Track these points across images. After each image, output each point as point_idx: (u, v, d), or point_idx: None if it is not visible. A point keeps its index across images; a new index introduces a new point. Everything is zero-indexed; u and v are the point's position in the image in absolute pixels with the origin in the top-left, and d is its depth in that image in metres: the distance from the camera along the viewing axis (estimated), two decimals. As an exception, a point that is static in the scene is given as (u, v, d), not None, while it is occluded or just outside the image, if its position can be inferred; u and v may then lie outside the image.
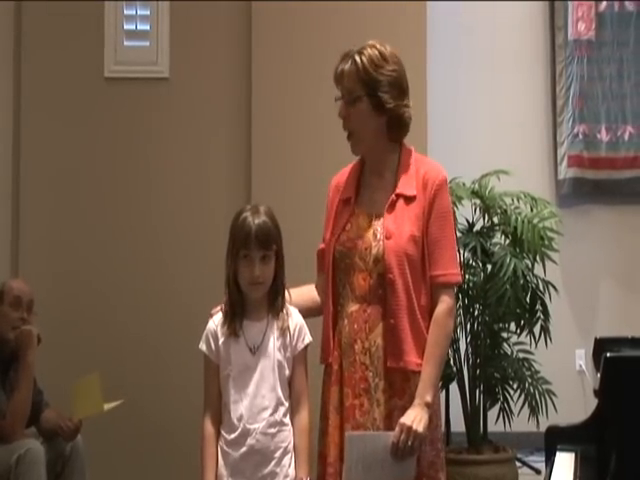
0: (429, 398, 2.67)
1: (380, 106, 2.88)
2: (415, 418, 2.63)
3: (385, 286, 2.77)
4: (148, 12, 5.40)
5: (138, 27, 5.43)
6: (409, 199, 2.85)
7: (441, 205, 2.85)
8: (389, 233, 2.81)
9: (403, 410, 2.67)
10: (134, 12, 5.40)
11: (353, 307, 2.80)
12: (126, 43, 5.44)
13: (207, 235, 5.33)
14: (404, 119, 2.96)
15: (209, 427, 2.78)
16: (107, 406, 3.98)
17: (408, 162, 2.95)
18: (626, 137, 5.96)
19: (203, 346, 2.82)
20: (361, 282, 2.80)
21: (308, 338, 2.83)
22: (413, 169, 2.92)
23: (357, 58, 2.89)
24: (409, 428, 2.62)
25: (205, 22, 5.44)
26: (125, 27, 5.42)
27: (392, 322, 2.75)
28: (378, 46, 2.92)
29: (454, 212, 3.90)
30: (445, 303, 2.77)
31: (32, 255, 5.25)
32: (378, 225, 2.85)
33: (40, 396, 4.16)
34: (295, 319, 2.82)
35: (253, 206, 2.85)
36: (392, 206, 2.85)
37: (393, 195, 2.87)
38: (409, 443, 2.61)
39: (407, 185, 2.88)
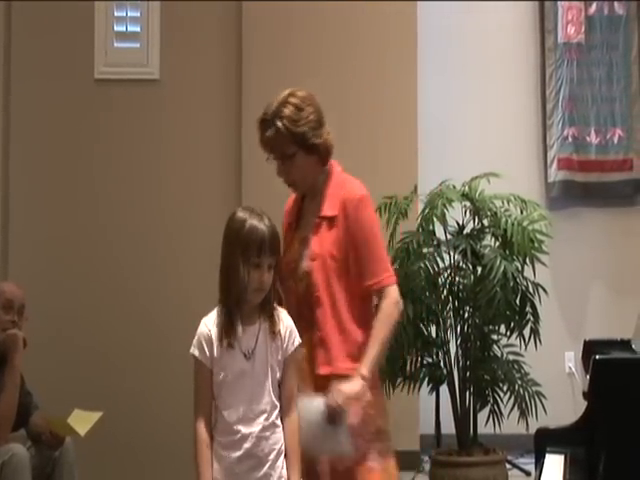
0: (364, 372, 2.89)
1: (312, 149, 3.11)
2: (348, 384, 2.86)
3: (312, 304, 3.02)
4: (138, 14, 5.40)
5: (128, 28, 5.43)
6: (331, 220, 3.07)
7: (361, 221, 3.06)
8: (314, 255, 3.04)
9: None
10: (124, 13, 5.41)
11: None
12: (116, 44, 5.44)
13: (198, 235, 5.33)
14: (330, 146, 3.19)
15: (202, 431, 2.74)
16: (85, 429, 3.95)
17: (332, 184, 3.16)
18: (615, 140, 5.97)
19: (195, 351, 2.78)
20: (293, 301, 3.03)
21: (298, 340, 2.82)
22: (335, 190, 3.13)
23: (278, 123, 3.09)
24: (339, 390, 2.85)
25: (195, 23, 5.44)
26: (115, 28, 5.42)
27: (319, 334, 2.99)
28: (292, 100, 3.14)
29: (444, 214, 3.93)
30: (389, 297, 3.01)
31: (22, 257, 5.24)
32: (306, 247, 3.08)
33: (29, 398, 4.14)
34: (286, 322, 2.81)
35: (251, 210, 2.79)
36: (317, 228, 3.08)
37: (317, 218, 3.10)
38: (339, 403, 2.82)
39: (329, 207, 3.10)
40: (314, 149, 3.12)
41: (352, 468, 2.92)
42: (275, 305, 2.81)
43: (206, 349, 2.76)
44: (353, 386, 2.87)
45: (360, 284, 3.02)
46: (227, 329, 2.75)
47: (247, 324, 2.78)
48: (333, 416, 2.82)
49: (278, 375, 2.77)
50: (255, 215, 2.77)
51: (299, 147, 3.11)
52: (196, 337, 2.80)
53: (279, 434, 2.74)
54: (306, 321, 2.99)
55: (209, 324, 2.79)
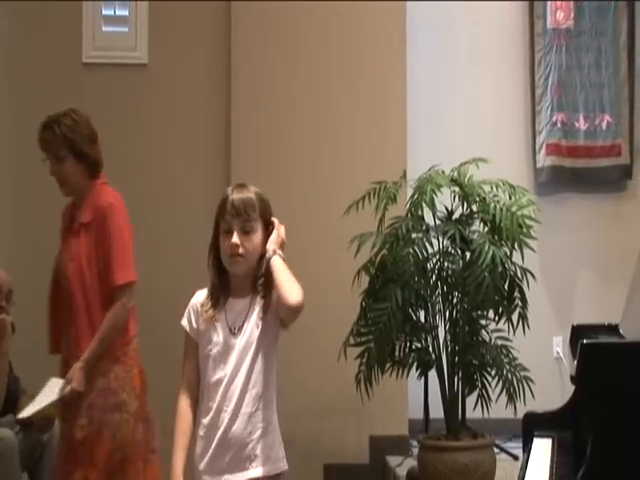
0: (80, 364, 3.48)
1: (82, 157, 3.72)
2: (72, 369, 3.49)
3: (70, 301, 3.60)
4: (127, -3, 5.38)
5: (117, 12, 5.41)
6: (87, 226, 3.63)
7: (108, 226, 3.60)
8: (73, 257, 3.61)
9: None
10: (113, -3, 5.39)
11: (61, 315, 3.67)
12: (104, 29, 5.42)
13: (185, 220, 5.33)
14: (100, 163, 3.80)
15: (183, 403, 2.73)
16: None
17: (92, 194, 3.70)
18: (604, 126, 5.99)
19: (184, 322, 2.77)
20: (62, 296, 3.65)
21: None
22: (92, 199, 3.68)
23: (56, 127, 3.68)
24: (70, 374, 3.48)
25: (184, 7, 5.43)
26: (103, 12, 5.40)
27: (73, 329, 3.60)
28: (72, 114, 3.75)
29: (433, 200, 3.94)
30: (118, 301, 3.57)
31: (7, 241, 5.23)
32: (69, 251, 3.65)
33: (17, 383, 4.15)
34: (275, 295, 2.71)
35: (237, 184, 2.79)
36: (77, 233, 3.65)
37: (76, 224, 3.66)
38: (67, 378, 3.49)
39: (86, 214, 3.65)
40: (83, 157, 3.69)
41: (89, 437, 3.51)
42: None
43: (193, 321, 2.76)
44: (72, 371, 3.48)
45: (107, 284, 3.57)
46: (212, 302, 2.73)
47: (237, 297, 2.73)
48: (64, 385, 3.51)
49: (271, 350, 2.71)
50: (237, 187, 2.75)
51: (70, 152, 3.67)
52: (186, 308, 2.79)
53: (265, 412, 2.69)
54: (68, 313, 3.61)
55: (200, 296, 2.78)
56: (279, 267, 2.68)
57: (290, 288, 2.64)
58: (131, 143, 5.41)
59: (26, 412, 3.63)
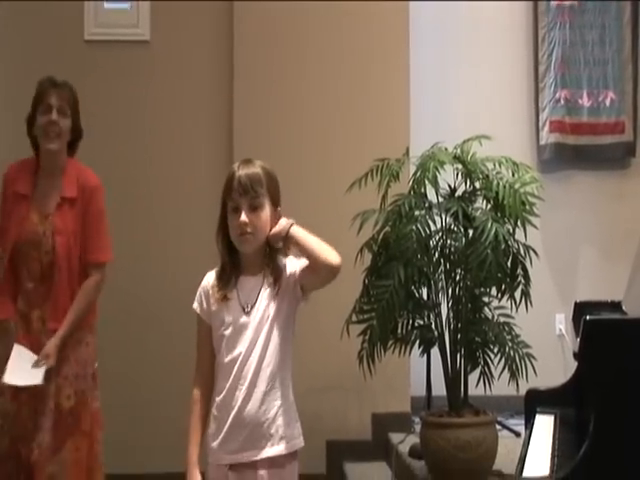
0: (58, 338, 3.62)
1: (76, 129, 3.85)
2: (48, 346, 3.61)
3: (54, 272, 3.66)
4: (129, -26, 5.35)
5: (119, -11, 5.39)
6: (72, 200, 3.70)
7: (94, 206, 3.74)
8: (58, 229, 3.67)
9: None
10: (114, -26, 5.36)
11: (29, 285, 3.71)
12: (106, 5, 5.41)
13: (188, 198, 5.33)
14: (80, 136, 3.87)
15: (196, 389, 2.72)
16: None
17: (72, 169, 3.76)
18: (607, 103, 5.96)
19: (195, 305, 2.74)
20: (36, 267, 3.68)
21: (303, 261, 2.71)
22: (74, 175, 3.75)
23: (67, 89, 3.88)
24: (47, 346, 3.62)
25: (186, -16, 5.40)
26: (106, -11, 5.37)
27: (55, 297, 3.66)
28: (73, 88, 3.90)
29: (436, 177, 3.93)
30: (93, 277, 3.75)
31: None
32: (49, 223, 3.69)
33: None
34: (288, 268, 2.71)
35: (243, 160, 2.75)
36: (60, 207, 3.69)
37: (59, 198, 3.70)
38: (45, 354, 3.59)
39: (70, 189, 3.71)
40: (77, 128, 3.81)
41: (76, 407, 3.68)
42: (280, 255, 2.71)
43: (204, 303, 2.72)
44: (48, 349, 3.62)
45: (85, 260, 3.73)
46: (222, 281, 2.69)
47: (248, 275, 2.70)
48: (38, 361, 3.62)
49: (285, 329, 2.69)
50: (243, 163, 2.70)
51: (71, 116, 3.80)
52: (198, 292, 2.75)
53: (280, 391, 2.67)
54: (46, 286, 3.67)
55: (210, 277, 2.74)
56: (304, 234, 2.68)
57: (326, 249, 2.67)
58: (133, 120, 5.40)
59: (9, 380, 3.64)
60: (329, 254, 2.65)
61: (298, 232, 2.68)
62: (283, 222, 2.68)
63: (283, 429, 2.67)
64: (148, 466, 5.15)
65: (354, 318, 4.03)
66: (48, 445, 3.63)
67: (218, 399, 2.69)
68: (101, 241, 3.81)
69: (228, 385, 2.66)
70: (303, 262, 2.71)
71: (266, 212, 2.67)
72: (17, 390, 3.64)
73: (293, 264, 2.73)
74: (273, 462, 2.67)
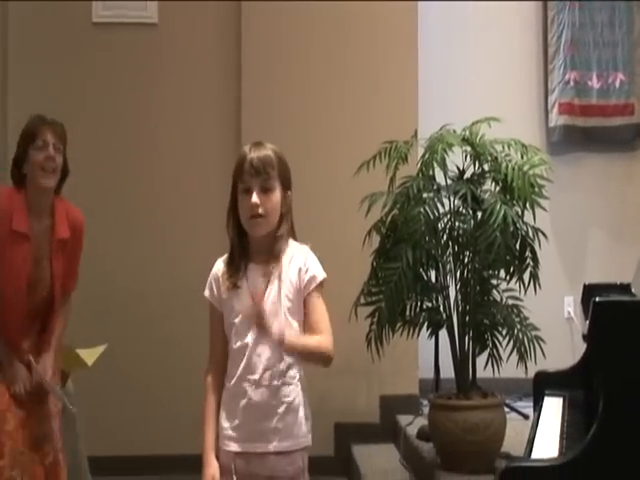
0: (50, 358, 3.69)
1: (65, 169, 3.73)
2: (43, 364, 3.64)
3: (50, 311, 3.72)
4: (137, -44, 5.34)
5: (126, -29, 5.37)
6: (65, 241, 3.70)
7: (80, 241, 3.80)
8: (57, 277, 3.68)
9: None
10: (123, -44, 5.35)
11: (20, 321, 3.66)
12: (114, -13, 5.39)
13: (196, 179, 5.33)
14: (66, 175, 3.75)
15: (209, 376, 2.69)
16: (91, 360, 3.97)
17: (60, 207, 3.71)
18: (617, 84, 5.94)
19: (207, 292, 2.71)
20: (31, 306, 3.65)
21: (320, 276, 2.65)
22: (64, 214, 3.71)
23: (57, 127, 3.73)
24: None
25: (194, -34, 5.38)
26: (113, -29, 5.36)
27: (50, 331, 3.72)
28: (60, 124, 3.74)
29: (444, 159, 3.92)
30: (68, 305, 3.82)
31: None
32: (46, 266, 3.67)
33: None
34: (303, 259, 2.65)
35: (254, 143, 2.69)
36: (56, 251, 3.67)
37: (54, 240, 3.67)
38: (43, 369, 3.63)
39: (62, 230, 3.69)
40: (65, 168, 3.71)
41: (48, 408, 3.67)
42: (291, 242, 2.68)
43: (215, 290, 2.69)
44: (43, 367, 3.64)
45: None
46: (232, 268, 2.65)
47: (258, 262, 2.65)
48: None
49: (295, 319, 2.64)
50: (254, 145, 2.66)
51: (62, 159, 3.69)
52: (208, 279, 2.72)
53: (292, 387, 2.64)
54: (41, 322, 3.71)
55: (219, 264, 2.70)
56: (297, 345, 2.59)
57: (320, 353, 2.61)
58: (141, 102, 5.39)
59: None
60: (322, 357, 2.62)
61: (292, 344, 2.58)
62: (275, 330, 2.54)
63: (291, 427, 2.63)
64: (161, 448, 5.17)
65: (362, 300, 4.03)
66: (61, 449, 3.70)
67: (229, 385, 2.66)
68: (77, 272, 3.86)
69: (238, 374, 2.63)
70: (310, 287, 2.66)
71: (277, 195, 2.63)
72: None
73: (308, 275, 2.66)
74: (281, 452, 2.63)
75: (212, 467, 2.64)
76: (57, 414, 3.71)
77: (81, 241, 3.80)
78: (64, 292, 3.77)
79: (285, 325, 2.57)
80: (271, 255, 2.64)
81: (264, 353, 2.61)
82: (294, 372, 2.65)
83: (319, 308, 2.66)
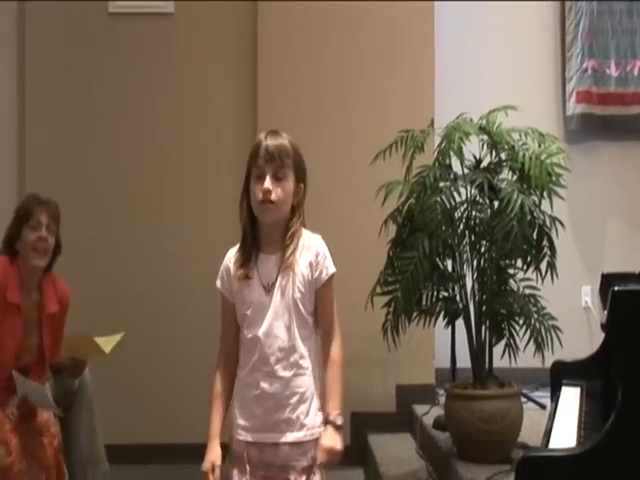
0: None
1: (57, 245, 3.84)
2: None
3: (35, 372, 3.77)
4: (152, -55, 5.33)
5: (142, -39, 5.37)
6: (53, 315, 3.83)
7: (65, 314, 3.88)
8: (47, 347, 3.79)
9: None
10: (138, -55, 5.34)
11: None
12: (130, -23, 5.39)
13: (212, 169, 5.33)
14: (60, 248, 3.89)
15: (220, 364, 2.70)
16: (108, 347, 3.99)
17: (48, 282, 3.83)
18: (635, 72, 5.90)
19: (218, 283, 2.71)
20: (18, 363, 3.72)
21: (331, 269, 2.65)
22: (52, 288, 3.85)
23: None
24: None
25: (210, -45, 5.37)
26: (129, -39, 5.35)
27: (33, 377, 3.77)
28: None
29: (461, 148, 3.90)
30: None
31: (38, 184, 5.25)
32: (36, 338, 3.79)
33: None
34: (315, 249, 2.64)
35: (273, 130, 2.69)
36: (47, 325, 3.82)
37: (44, 316, 3.78)
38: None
39: (52, 305, 3.82)
40: (58, 246, 3.80)
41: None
42: (302, 232, 2.66)
43: (226, 280, 2.69)
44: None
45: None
46: (242, 259, 2.64)
47: (269, 253, 2.65)
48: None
49: (306, 310, 2.64)
50: (270, 133, 2.66)
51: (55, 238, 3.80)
52: (220, 269, 2.72)
53: (305, 377, 2.63)
54: (37, 373, 3.77)
55: (231, 254, 2.70)
56: (340, 405, 2.67)
57: (341, 370, 2.69)
58: (157, 92, 5.39)
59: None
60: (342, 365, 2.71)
61: (340, 413, 2.67)
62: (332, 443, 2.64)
63: (305, 417, 2.64)
64: (163, 437, 5.19)
65: (378, 290, 4.02)
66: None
67: (241, 374, 2.67)
68: (61, 340, 3.93)
69: (251, 364, 2.63)
70: (322, 281, 2.67)
71: (290, 184, 2.63)
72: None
73: (320, 267, 2.66)
74: (294, 442, 2.64)
75: (213, 453, 2.65)
76: (52, 423, 3.80)
77: (66, 312, 3.90)
78: (50, 359, 3.87)
79: (331, 439, 2.64)
80: (282, 246, 2.64)
81: (276, 344, 2.61)
82: (307, 363, 2.64)
83: (329, 300, 2.69)
